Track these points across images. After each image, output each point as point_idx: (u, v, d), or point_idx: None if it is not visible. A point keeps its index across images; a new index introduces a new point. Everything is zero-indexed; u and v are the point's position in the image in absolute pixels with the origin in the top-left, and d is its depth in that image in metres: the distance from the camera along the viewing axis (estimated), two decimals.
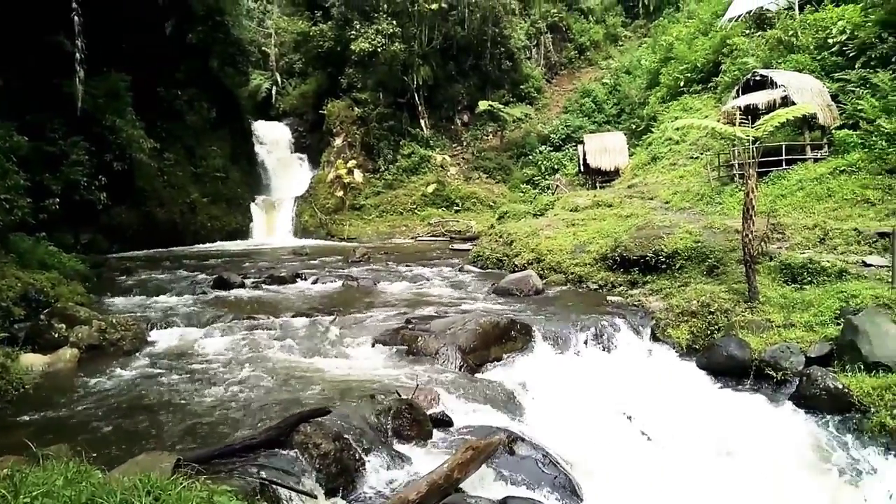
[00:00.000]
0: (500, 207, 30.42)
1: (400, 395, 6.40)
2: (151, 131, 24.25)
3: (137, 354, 8.98)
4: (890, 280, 9.05)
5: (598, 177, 28.02)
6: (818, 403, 7.15)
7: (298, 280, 15.64)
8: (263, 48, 44.38)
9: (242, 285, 14.62)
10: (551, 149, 37.12)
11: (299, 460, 5.07)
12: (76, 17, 18.61)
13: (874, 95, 15.73)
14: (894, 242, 9.06)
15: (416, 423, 6.03)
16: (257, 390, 7.08)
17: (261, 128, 40.74)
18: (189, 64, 31.17)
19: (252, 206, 34.72)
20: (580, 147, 30.03)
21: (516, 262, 15.99)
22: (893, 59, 16.39)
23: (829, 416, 6.98)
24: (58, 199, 15.31)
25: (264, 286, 14.75)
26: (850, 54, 18.00)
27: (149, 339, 9.76)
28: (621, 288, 12.52)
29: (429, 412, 6.31)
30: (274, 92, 44.87)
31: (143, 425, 6.09)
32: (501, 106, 37.83)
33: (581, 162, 29.57)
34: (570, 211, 19.74)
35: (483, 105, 36.97)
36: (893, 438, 6.27)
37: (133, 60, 24.15)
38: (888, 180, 13.48)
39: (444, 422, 6.26)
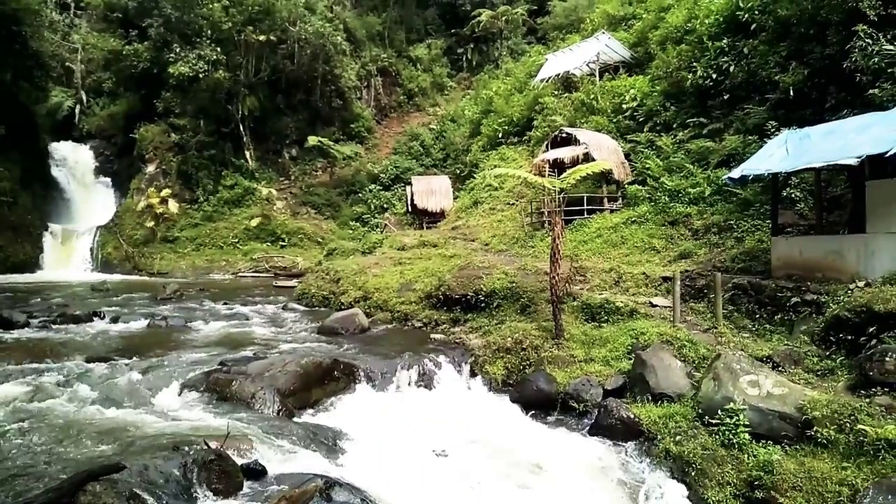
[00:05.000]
0: (328, 244, 30.13)
1: (208, 445, 5.92)
2: None
3: None
4: (672, 319, 10.32)
5: (426, 217, 29.00)
6: (614, 432, 7.79)
7: (96, 319, 14.07)
8: (68, 63, 40.08)
9: (27, 325, 12.86)
10: (381, 188, 37.79)
11: None
12: None
13: (659, 156, 18.07)
14: (675, 286, 10.33)
15: (224, 474, 5.59)
16: (40, 447, 6.11)
17: (60, 149, 36.63)
18: None
19: (45, 235, 30.78)
20: (408, 188, 30.98)
21: (343, 301, 15.82)
22: (674, 126, 19.02)
23: (624, 444, 7.61)
24: None
25: (54, 326, 13.05)
26: (640, 119, 20.70)
27: None
28: (444, 326, 12.85)
29: (240, 462, 5.89)
30: (78, 111, 40.57)
31: None
32: (331, 143, 37.84)
33: (409, 202, 30.45)
34: (398, 250, 20.10)
35: (312, 140, 36.70)
36: (676, 462, 6.91)
37: None
38: (670, 231, 15.42)
39: (256, 471, 5.87)
